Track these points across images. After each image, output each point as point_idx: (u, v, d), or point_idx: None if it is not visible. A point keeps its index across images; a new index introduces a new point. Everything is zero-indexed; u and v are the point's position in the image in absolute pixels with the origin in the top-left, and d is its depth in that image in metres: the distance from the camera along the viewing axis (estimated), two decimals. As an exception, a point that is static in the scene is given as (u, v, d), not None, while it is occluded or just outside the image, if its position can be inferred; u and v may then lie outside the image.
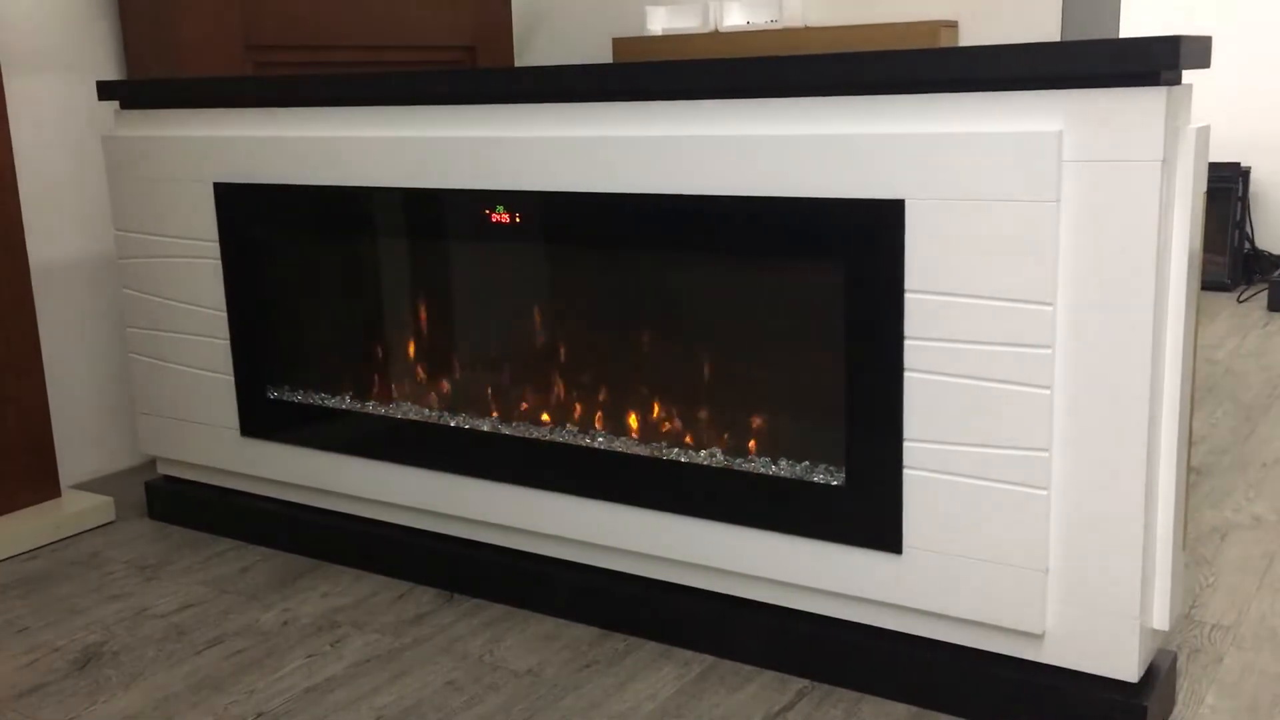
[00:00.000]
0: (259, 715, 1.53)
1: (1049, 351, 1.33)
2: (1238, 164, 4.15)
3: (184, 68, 2.32)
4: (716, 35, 2.87)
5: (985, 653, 1.46)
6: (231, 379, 2.03)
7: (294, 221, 1.92)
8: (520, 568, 1.79)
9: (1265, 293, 3.93)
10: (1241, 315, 3.75)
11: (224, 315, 2.01)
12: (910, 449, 1.43)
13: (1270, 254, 4.24)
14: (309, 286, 2.01)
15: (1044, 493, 1.36)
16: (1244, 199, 4.18)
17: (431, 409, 1.90)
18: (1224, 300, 3.98)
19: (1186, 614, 1.72)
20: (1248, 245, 4.22)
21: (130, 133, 2.08)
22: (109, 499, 2.23)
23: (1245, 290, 4.09)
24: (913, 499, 1.44)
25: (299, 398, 2.00)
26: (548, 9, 3.28)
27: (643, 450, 1.67)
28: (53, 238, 2.36)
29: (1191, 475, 2.29)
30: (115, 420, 2.50)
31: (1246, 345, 3.35)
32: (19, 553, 2.09)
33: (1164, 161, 1.25)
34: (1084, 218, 1.30)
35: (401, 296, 1.93)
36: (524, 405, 1.82)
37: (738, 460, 1.61)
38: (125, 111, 2.09)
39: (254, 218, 1.95)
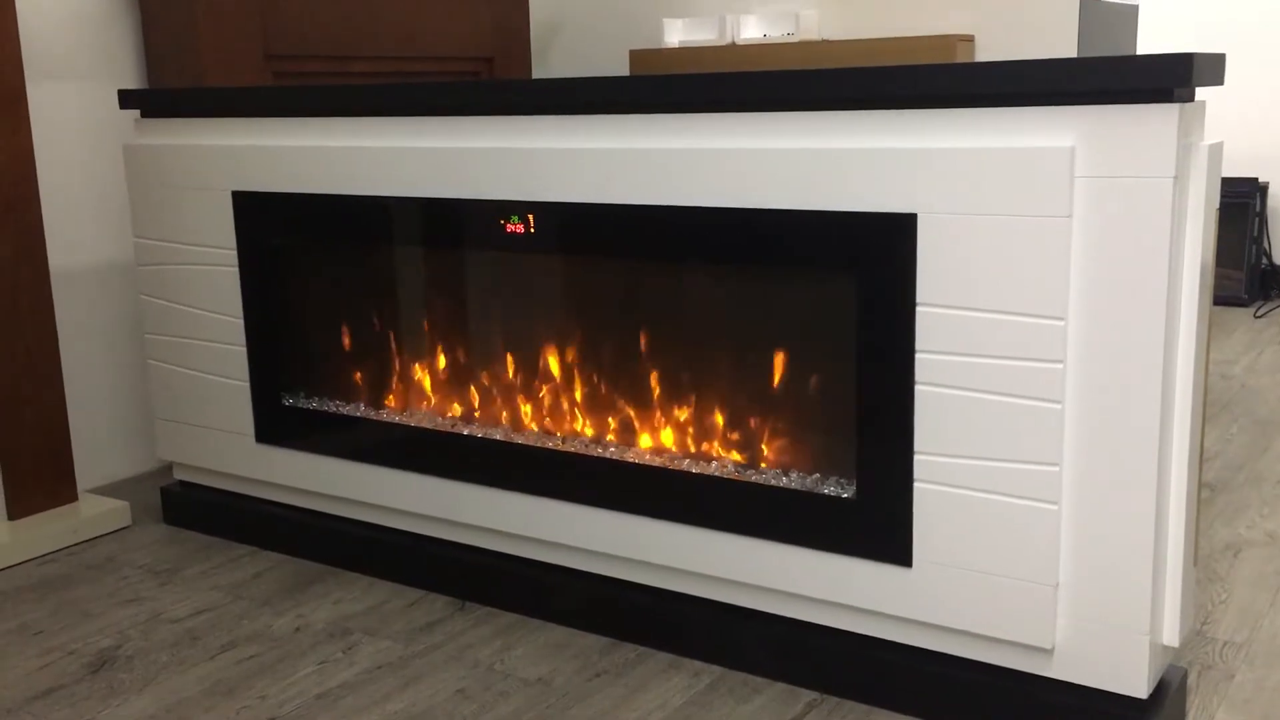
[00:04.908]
0: (270, 720, 1.54)
1: (1060, 366, 1.33)
2: (1255, 179, 4.14)
3: (204, 77, 2.34)
4: (733, 48, 2.88)
5: (994, 667, 1.46)
6: (248, 385, 2.04)
7: (311, 230, 1.94)
8: (532, 577, 1.80)
9: (1282, 309, 3.92)
10: (1258, 331, 3.73)
11: (241, 322, 2.03)
12: (921, 462, 1.44)
13: (1287, 270, 4.23)
14: (325, 295, 2.02)
15: (1054, 507, 1.36)
16: (1261, 214, 4.17)
17: (445, 418, 1.91)
18: (1240, 315, 3.96)
19: (1198, 630, 1.72)
20: (1265, 261, 4.20)
21: (150, 141, 2.10)
22: (125, 504, 2.25)
23: (1262, 306, 4.07)
24: (923, 512, 1.45)
25: (314, 405, 2.01)
26: (565, 21, 3.29)
27: (654, 461, 1.68)
28: (73, 244, 2.39)
29: (1205, 491, 2.29)
30: (132, 425, 2.52)
31: (1262, 361, 3.33)
32: (35, 556, 2.11)
33: (1176, 178, 1.25)
34: (1096, 233, 1.30)
35: (416, 305, 1.94)
36: (536, 414, 1.83)
37: (749, 472, 1.61)
38: (146, 120, 2.11)
39: (272, 226, 1.97)
